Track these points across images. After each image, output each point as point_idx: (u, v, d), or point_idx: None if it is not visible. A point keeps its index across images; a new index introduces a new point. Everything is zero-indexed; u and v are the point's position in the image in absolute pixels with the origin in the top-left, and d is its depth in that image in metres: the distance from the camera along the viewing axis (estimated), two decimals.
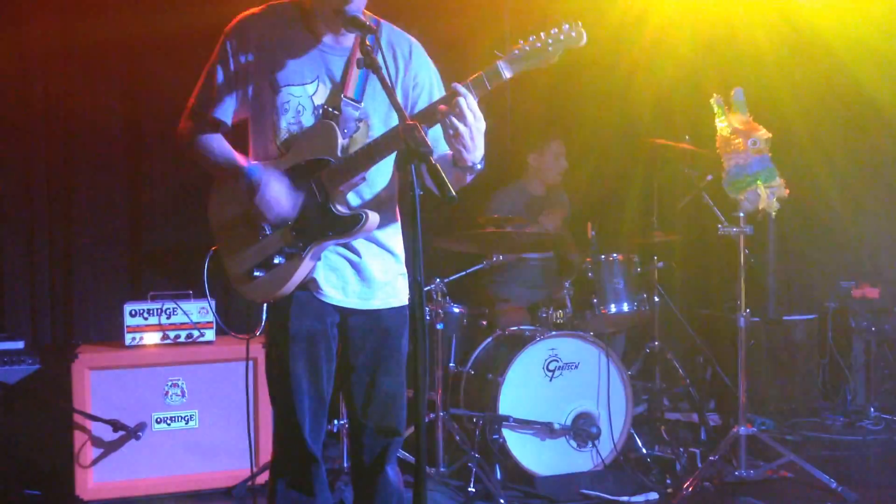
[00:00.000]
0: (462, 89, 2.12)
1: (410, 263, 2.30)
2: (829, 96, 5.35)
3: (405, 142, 1.87)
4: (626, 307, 4.19)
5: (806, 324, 4.98)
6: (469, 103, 2.11)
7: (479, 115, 2.14)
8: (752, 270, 4.25)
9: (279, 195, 2.25)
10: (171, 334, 3.82)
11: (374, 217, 2.26)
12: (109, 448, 3.65)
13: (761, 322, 4.87)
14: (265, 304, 2.35)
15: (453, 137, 2.14)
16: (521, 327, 4.13)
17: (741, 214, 3.76)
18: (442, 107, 2.13)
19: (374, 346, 2.39)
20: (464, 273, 4.16)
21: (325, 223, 2.25)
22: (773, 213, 3.74)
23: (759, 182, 3.65)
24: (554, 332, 3.96)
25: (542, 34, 2.11)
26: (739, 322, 3.75)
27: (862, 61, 5.15)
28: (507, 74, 2.13)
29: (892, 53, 5.09)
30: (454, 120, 2.10)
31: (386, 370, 2.39)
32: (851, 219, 5.49)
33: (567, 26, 2.11)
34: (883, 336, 4.91)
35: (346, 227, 2.25)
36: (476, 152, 2.17)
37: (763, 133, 3.70)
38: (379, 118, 2.32)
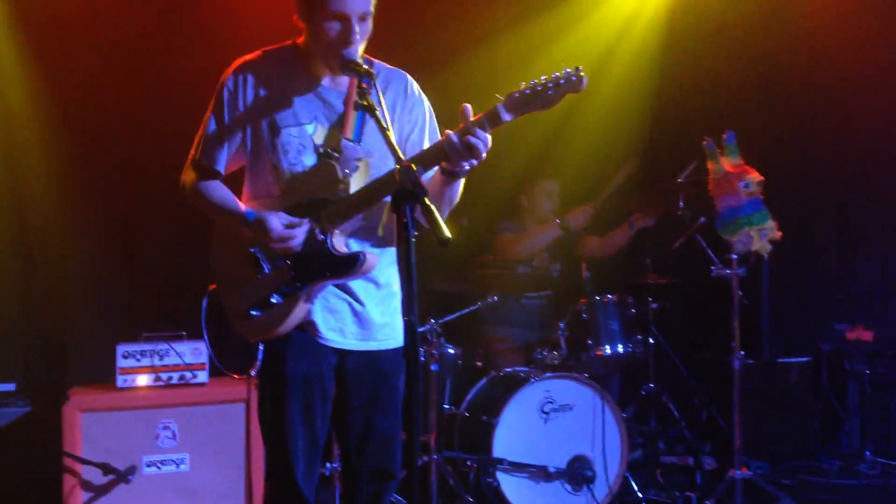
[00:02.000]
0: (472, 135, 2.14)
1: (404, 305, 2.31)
2: (820, 138, 5.41)
3: (400, 183, 1.89)
4: (620, 348, 4.18)
5: (801, 366, 4.96)
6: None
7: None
8: (746, 312, 4.25)
9: (284, 222, 2.26)
10: (164, 376, 3.80)
11: (371, 258, 2.27)
12: (99, 492, 3.60)
13: (756, 364, 4.86)
14: (261, 345, 2.34)
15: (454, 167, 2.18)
16: (516, 369, 4.11)
17: (734, 256, 3.79)
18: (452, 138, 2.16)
19: (371, 387, 2.39)
20: (458, 314, 4.16)
21: (323, 263, 2.26)
22: (766, 255, 3.76)
23: (751, 224, 3.68)
24: (548, 374, 3.94)
25: (542, 78, 2.13)
26: (734, 364, 3.74)
27: (847, 101, 5.23)
28: (507, 118, 2.14)
29: (875, 92, 5.16)
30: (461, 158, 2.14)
31: (383, 412, 2.39)
32: (845, 261, 5.51)
33: (568, 70, 2.13)
34: (878, 379, 4.89)
35: (344, 267, 2.26)
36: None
37: (755, 176, 3.74)
38: (379, 157, 2.35)
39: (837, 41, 5.08)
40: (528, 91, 2.12)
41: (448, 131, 2.19)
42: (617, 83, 5.06)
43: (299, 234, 2.26)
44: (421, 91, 2.46)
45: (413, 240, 1.84)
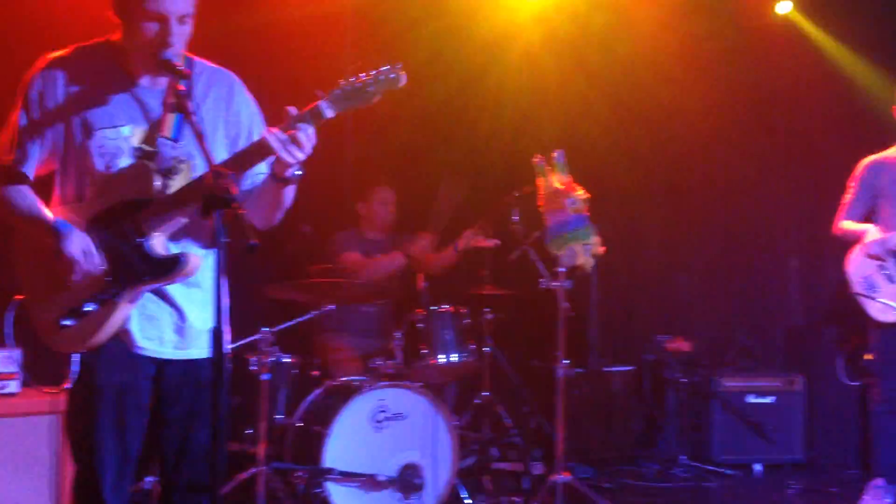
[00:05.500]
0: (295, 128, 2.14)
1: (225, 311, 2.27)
2: (649, 158, 5.75)
3: (211, 189, 1.86)
4: (454, 357, 4.26)
5: (624, 374, 5.24)
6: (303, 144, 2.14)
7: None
8: (575, 323, 4.44)
9: (85, 248, 2.17)
10: None
11: (195, 259, 2.20)
12: None
13: (584, 372, 5.09)
14: (75, 355, 2.23)
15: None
16: (350, 378, 4.11)
17: (562, 269, 3.96)
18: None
19: (190, 398, 2.32)
20: (291, 322, 4.11)
21: (141, 267, 2.17)
22: (590, 270, 3.95)
23: (576, 240, 3.86)
24: (383, 383, 3.96)
25: (362, 74, 2.15)
26: (558, 373, 3.91)
27: (673, 126, 5.59)
28: (330, 114, 2.15)
29: (701, 117, 5.54)
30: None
31: (202, 423, 2.32)
32: (668, 276, 5.87)
33: (387, 67, 2.16)
34: (694, 387, 5.22)
35: (165, 270, 2.18)
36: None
37: (581, 193, 3.93)
38: (199, 160, 2.29)
39: (666, 63, 5.41)
40: (348, 87, 2.14)
41: (268, 128, 2.18)
42: (453, 98, 5.18)
43: (89, 268, 2.16)
44: (248, 93, 2.43)
45: (223, 245, 1.81)
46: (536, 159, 3.96)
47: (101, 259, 2.18)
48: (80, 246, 2.16)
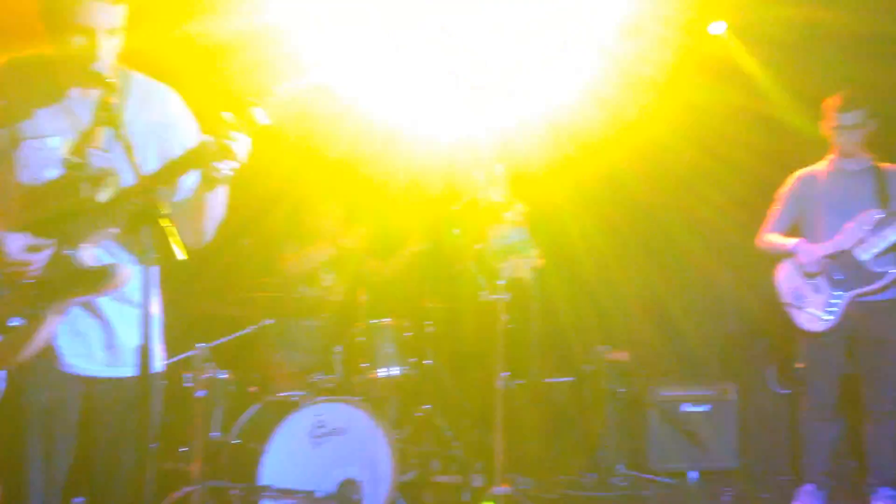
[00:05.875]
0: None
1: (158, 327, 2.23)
2: (584, 173, 5.83)
3: (139, 203, 1.83)
4: (395, 371, 4.25)
5: (564, 385, 5.29)
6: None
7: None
8: (516, 334, 4.48)
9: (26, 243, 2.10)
10: None
11: (124, 271, 2.15)
12: None
13: (525, 384, 5.12)
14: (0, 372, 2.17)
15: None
16: (289, 393, 4.06)
17: (502, 282, 4.00)
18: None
19: (120, 417, 2.27)
20: (230, 337, 4.06)
21: (69, 279, 2.12)
22: (529, 281, 4.00)
23: (515, 252, 3.91)
24: (322, 398, 3.93)
25: (295, 79, 2.15)
26: (497, 384, 3.93)
27: (611, 141, 5.68)
28: (264, 120, 2.13)
29: (635, 133, 5.64)
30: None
31: (131, 443, 2.26)
32: (606, 288, 5.96)
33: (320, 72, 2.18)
34: (631, 397, 5.30)
35: (93, 281, 2.13)
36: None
37: (520, 207, 3.98)
38: (129, 172, 2.25)
39: (599, 82, 5.49)
40: (282, 93, 2.14)
41: (202, 136, 2.15)
42: (393, 111, 5.17)
43: (39, 259, 2.10)
44: (185, 106, 2.39)
45: (150, 260, 1.78)
46: (477, 172, 4.00)
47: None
48: (19, 244, 2.09)
